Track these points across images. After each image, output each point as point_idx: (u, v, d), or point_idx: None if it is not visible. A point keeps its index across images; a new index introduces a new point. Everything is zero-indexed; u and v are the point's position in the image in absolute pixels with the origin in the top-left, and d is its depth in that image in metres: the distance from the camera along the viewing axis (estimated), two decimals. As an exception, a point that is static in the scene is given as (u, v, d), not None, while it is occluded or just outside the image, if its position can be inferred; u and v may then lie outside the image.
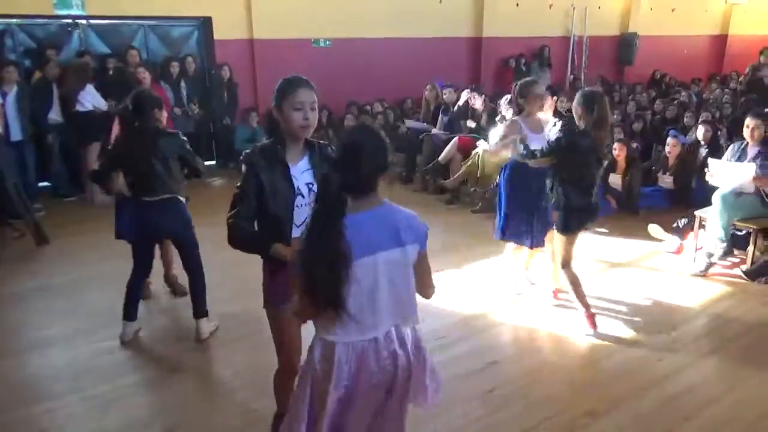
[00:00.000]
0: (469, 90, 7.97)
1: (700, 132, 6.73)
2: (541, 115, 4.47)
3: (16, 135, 6.60)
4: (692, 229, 5.29)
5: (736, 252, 5.21)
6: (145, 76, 7.02)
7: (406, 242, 1.93)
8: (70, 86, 6.91)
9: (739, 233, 5.10)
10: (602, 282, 4.79)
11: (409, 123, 8.53)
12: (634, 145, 7.37)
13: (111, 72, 7.64)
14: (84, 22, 7.97)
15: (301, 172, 2.40)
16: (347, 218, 1.84)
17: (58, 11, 7.61)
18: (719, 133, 7.10)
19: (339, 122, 8.70)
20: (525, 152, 4.07)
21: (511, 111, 4.91)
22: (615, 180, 6.54)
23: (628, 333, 4.01)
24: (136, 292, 3.97)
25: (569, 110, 7.47)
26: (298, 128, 2.34)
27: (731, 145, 5.21)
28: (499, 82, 11.24)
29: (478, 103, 7.63)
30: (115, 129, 4.48)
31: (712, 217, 4.94)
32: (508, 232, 4.44)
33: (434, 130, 7.92)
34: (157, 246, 4.26)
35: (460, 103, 7.85)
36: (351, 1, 9.62)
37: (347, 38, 9.67)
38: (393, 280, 1.95)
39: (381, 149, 1.92)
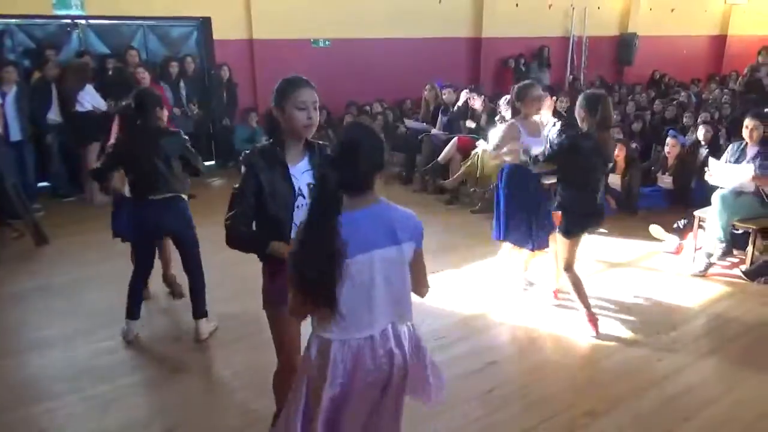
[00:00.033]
0: (467, 90, 7.97)
1: (701, 133, 6.74)
2: (537, 117, 4.48)
3: (15, 135, 6.60)
4: (692, 229, 5.29)
5: (735, 252, 5.21)
6: (145, 76, 7.02)
7: (402, 240, 1.94)
8: (69, 86, 6.90)
9: (736, 231, 5.09)
10: (601, 282, 4.79)
11: (409, 123, 8.53)
12: (634, 145, 7.37)
13: (111, 72, 7.64)
14: (83, 22, 7.96)
15: (302, 173, 2.40)
16: (343, 216, 1.85)
17: (57, 11, 7.60)
18: (719, 133, 7.11)
19: (338, 122, 8.69)
20: (528, 159, 4.06)
21: (510, 112, 4.92)
22: (614, 180, 6.55)
23: (627, 333, 4.01)
24: (138, 290, 3.97)
25: (568, 110, 7.52)
26: (301, 128, 2.34)
27: (730, 145, 5.22)
28: (498, 83, 11.24)
29: (477, 103, 7.64)
30: (115, 129, 4.49)
31: (712, 218, 4.95)
32: (508, 234, 4.44)
33: (433, 131, 7.92)
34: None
35: (460, 103, 7.86)
36: (350, 1, 9.62)
37: (346, 38, 9.67)
38: (389, 278, 1.95)
39: (377, 147, 1.93)
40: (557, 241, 4.06)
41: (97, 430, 3.10)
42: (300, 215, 2.35)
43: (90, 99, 6.93)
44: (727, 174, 4.91)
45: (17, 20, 7.51)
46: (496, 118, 6.04)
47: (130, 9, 7.96)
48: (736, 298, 4.59)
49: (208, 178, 7.86)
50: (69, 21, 7.85)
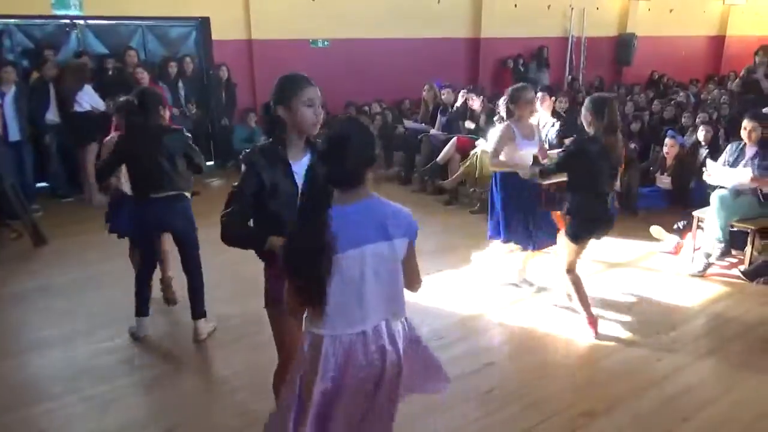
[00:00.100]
0: (465, 90, 7.97)
1: (701, 134, 6.75)
2: (535, 120, 4.48)
3: (14, 135, 6.60)
4: (690, 229, 5.30)
5: (734, 252, 5.22)
6: (143, 76, 7.03)
7: (395, 236, 1.93)
8: (68, 86, 6.90)
9: (732, 229, 5.10)
10: (601, 282, 4.79)
11: (407, 124, 8.54)
12: (632, 145, 7.38)
13: (111, 72, 7.63)
14: (82, 22, 7.95)
15: (304, 170, 2.39)
16: (334, 210, 1.85)
17: (56, 11, 7.60)
18: (718, 133, 7.13)
19: (337, 123, 8.69)
20: (536, 172, 4.03)
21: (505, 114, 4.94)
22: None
23: (626, 333, 4.02)
24: (145, 288, 3.97)
25: (567, 111, 7.52)
26: (310, 125, 2.34)
27: (729, 146, 5.24)
28: (497, 83, 11.25)
29: (476, 103, 7.64)
30: (113, 129, 4.49)
31: (710, 218, 4.96)
32: (509, 235, 4.45)
33: (432, 131, 7.93)
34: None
35: (458, 103, 7.85)
36: (349, 1, 9.62)
37: (345, 39, 9.67)
38: (380, 274, 1.95)
39: (368, 142, 1.93)
40: (562, 243, 4.02)
41: (97, 430, 3.10)
42: None
43: (88, 99, 6.93)
44: (726, 176, 4.93)
45: (16, 20, 7.51)
46: (495, 119, 6.04)
47: (129, 9, 7.95)
48: (734, 298, 4.59)
49: (207, 178, 7.85)
50: (67, 21, 7.85)
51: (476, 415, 3.16)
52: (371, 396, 2.02)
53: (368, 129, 1.97)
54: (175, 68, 8.15)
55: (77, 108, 6.88)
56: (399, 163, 8.35)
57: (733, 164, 5.01)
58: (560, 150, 4.04)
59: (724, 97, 10.02)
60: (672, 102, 9.41)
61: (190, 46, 8.91)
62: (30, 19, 7.59)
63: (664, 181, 6.72)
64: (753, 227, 4.87)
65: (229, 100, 8.77)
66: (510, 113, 4.41)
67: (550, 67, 11.83)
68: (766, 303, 4.49)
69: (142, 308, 3.95)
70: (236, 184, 2.39)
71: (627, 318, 4.23)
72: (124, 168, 3.87)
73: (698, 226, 5.20)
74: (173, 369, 3.67)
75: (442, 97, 8.19)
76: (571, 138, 6.37)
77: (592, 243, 3.95)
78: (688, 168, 6.57)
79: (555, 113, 6.84)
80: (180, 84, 8.19)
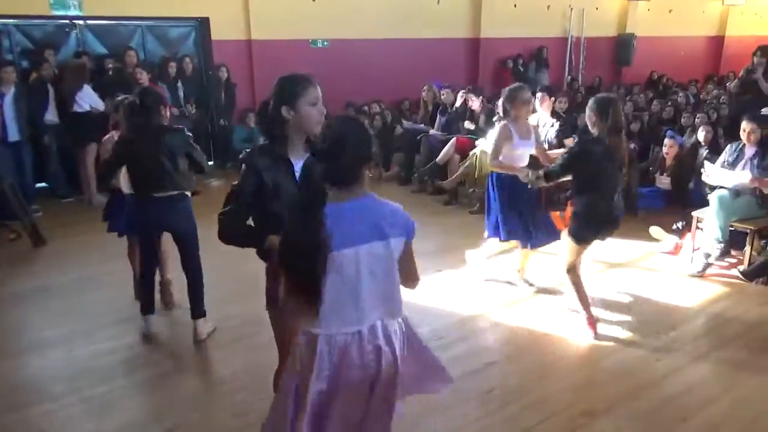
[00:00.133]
0: (464, 91, 7.97)
1: (701, 134, 6.76)
2: (534, 120, 4.50)
3: (13, 136, 6.59)
4: (690, 229, 5.31)
5: (733, 252, 5.22)
6: (143, 76, 7.02)
7: (391, 235, 1.93)
8: (67, 86, 6.90)
9: (731, 230, 5.11)
10: (600, 282, 4.79)
11: (406, 125, 8.55)
12: (632, 145, 7.37)
13: (110, 72, 7.63)
14: (81, 22, 7.96)
15: None
16: (329, 208, 1.85)
17: (55, 11, 7.60)
18: (718, 134, 7.13)
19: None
20: (539, 176, 4.01)
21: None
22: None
23: (626, 333, 4.02)
24: (149, 286, 3.98)
25: (566, 111, 7.53)
26: (315, 124, 2.34)
27: (728, 146, 5.26)
28: (497, 83, 11.24)
29: (476, 104, 7.64)
30: (111, 128, 4.50)
31: (710, 218, 4.97)
32: (507, 234, 4.46)
33: (432, 131, 7.93)
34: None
35: (457, 104, 7.85)
36: (349, 1, 9.63)
37: (345, 39, 9.68)
38: (375, 273, 1.94)
39: (365, 140, 1.93)
40: (564, 241, 3.99)
41: (97, 430, 3.09)
42: None
43: (88, 99, 6.93)
44: (724, 177, 4.95)
45: (15, 20, 7.51)
46: (495, 119, 6.05)
47: (128, 9, 7.95)
48: (734, 298, 4.60)
49: (206, 178, 7.84)
50: (67, 21, 7.85)
51: (476, 415, 3.16)
52: (368, 397, 2.01)
53: (365, 127, 1.98)
54: (175, 68, 8.15)
55: (77, 108, 6.89)
56: (398, 163, 8.35)
57: (733, 164, 5.03)
58: (564, 151, 4.03)
59: (723, 97, 10.03)
60: (669, 103, 9.41)
61: (189, 46, 8.91)
62: (29, 19, 7.59)
63: (663, 181, 6.72)
64: (752, 227, 4.88)
65: (228, 100, 8.77)
66: (507, 113, 4.43)
67: (550, 67, 11.84)
68: (765, 303, 4.50)
69: (147, 307, 3.97)
70: (236, 182, 2.39)
71: (627, 318, 4.23)
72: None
73: (697, 227, 5.21)
74: (173, 369, 3.67)
75: (442, 97, 8.20)
76: (571, 138, 6.41)
77: (595, 243, 3.94)
78: (688, 168, 6.57)
79: (554, 113, 6.85)
80: (179, 84, 8.20)
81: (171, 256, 4.19)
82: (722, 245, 4.99)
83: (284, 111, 2.33)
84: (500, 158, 4.41)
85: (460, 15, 10.97)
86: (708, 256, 5.00)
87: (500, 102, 4.54)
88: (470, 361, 3.66)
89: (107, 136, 4.43)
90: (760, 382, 3.49)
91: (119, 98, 4.37)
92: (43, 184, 7.53)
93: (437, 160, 7.33)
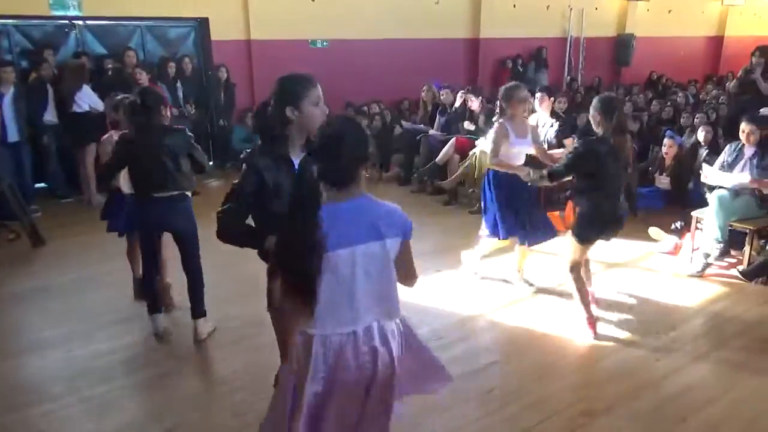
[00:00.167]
0: (463, 91, 7.97)
1: (701, 134, 6.76)
2: (534, 119, 4.50)
3: (12, 136, 6.59)
4: (689, 229, 5.31)
5: (732, 252, 5.23)
6: (142, 76, 7.01)
7: (387, 236, 1.93)
8: (66, 87, 6.90)
9: (731, 230, 5.11)
10: (599, 282, 4.79)
11: (405, 125, 8.55)
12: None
13: (109, 73, 7.63)
14: (80, 22, 7.95)
15: None
16: (325, 208, 1.85)
17: (55, 12, 7.60)
18: (718, 134, 7.14)
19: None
20: (543, 175, 4.02)
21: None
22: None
23: (625, 333, 4.02)
24: (153, 285, 3.99)
25: (566, 111, 7.53)
26: (318, 124, 2.34)
27: (728, 146, 5.27)
28: (496, 83, 11.20)
29: (475, 104, 7.64)
30: (110, 127, 4.49)
31: (709, 218, 4.97)
32: (505, 231, 4.46)
33: (431, 131, 7.93)
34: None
35: (457, 104, 7.85)
36: (348, 1, 9.63)
37: (344, 39, 9.68)
38: (371, 274, 1.94)
39: (362, 140, 1.93)
40: (568, 241, 3.97)
41: (96, 431, 3.09)
42: None
43: (87, 99, 6.92)
44: (723, 180, 4.97)
45: (14, 20, 7.51)
46: (494, 119, 6.05)
47: (128, 9, 7.96)
48: (733, 298, 4.60)
49: (205, 179, 7.85)
50: (66, 21, 7.84)
51: (476, 415, 3.16)
52: (364, 398, 2.00)
53: (362, 127, 1.98)
54: (174, 68, 8.14)
55: (76, 108, 6.88)
56: (398, 163, 8.35)
57: (732, 164, 5.04)
58: (568, 151, 4.02)
59: (722, 97, 10.03)
60: (669, 103, 9.41)
61: (189, 46, 8.91)
62: (28, 19, 7.59)
63: (662, 181, 6.71)
64: (752, 227, 4.88)
65: (227, 100, 8.77)
66: (503, 111, 4.43)
67: (549, 67, 11.85)
68: (764, 303, 4.50)
69: (154, 306, 3.98)
70: (236, 182, 2.39)
71: (626, 318, 4.23)
72: None
73: (697, 227, 5.21)
74: (173, 369, 3.66)
75: (441, 97, 8.20)
76: (571, 138, 6.42)
77: (598, 243, 3.94)
78: (687, 168, 6.57)
79: (554, 114, 6.85)
80: (178, 84, 8.19)
81: (170, 257, 4.19)
82: (722, 245, 5.00)
83: (288, 111, 2.33)
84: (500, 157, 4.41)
85: (460, 15, 10.97)
86: (707, 256, 5.00)
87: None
88: (470, 361, 3.66)
89: (106, 136, 4.42)
90: (760, 382, 3.49)
91: (118, 97, 4.37)
92: (43, 185, 7.52)
93: (437, 160, 7.33)
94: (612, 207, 3.78)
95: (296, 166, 2.36)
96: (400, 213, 1.99)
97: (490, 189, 4.52)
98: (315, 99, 2.34)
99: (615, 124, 3.63)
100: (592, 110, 3.75)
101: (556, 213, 5.93)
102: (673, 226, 5.65)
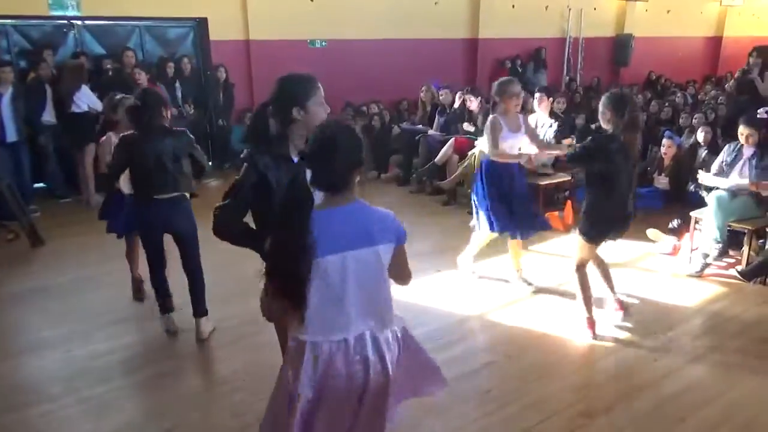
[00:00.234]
0: (462, 92, 7.97)
1: (700, 135, 6.77)
2: (530, 119, 4.52)
3: (11, 136, 6.59)
4: (687, 229, 5.32)
5: (731, 253, 5.23)
6: (141, 76, 7.01)
7: (380, 241, 1.91)
8: (65, 87, 6.89)
9: (729, 230, 5.12)
10: (599, 283, 4.79)
11: (404, 126, 8.56)
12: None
13: (108, 73, 7.63)
14: (79, 22, 7.95)
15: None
16: (317, 213, 1.84)
17: (53, 12, 7.59)
18: (717, 134, 7.15)
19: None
20: (546, 164, 4.02)
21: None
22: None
23: (624, 334, 4.02)
24: (162, 285, 3.99)
25: (565, 111, 7.54)
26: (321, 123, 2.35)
27: (726, 146, 5.28)
28: (495, 84, 11.26)
29: (474, 104, 7.64)
30: (108, 127, 4.48)
31: (708, 218, 4.98)
32: (498, 226, 4.48)
33: (430, 132, 7.93)
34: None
35: (456, 104, 7.85)
36: (347, 2, 9.63)
37: (343, 39, 9.68)
38: (362, 280, 1.91)
39: (355, 145, 1.92)
40: (575, 240, 3.92)
41: (95, 431, 3.09)
42: None
43: (86, 99, 6.92)
44: (720, 183, 5.01)
45: (13, 20, 7.50)
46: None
47: (127, 9, 7.95)
48: (732, 298, 4.60)
49: (204, 179, 7.84)
50: (65, 21, 7.84)
51: (475, 415, 3.16)
52: (356, 408, 1.98)
53: (356, 133, 1.95)
54: (173, 69, 8.14)
55: (75, 109, 6.87)
56: (397, 163, 8.35)
57: (731, 164, 5.06)
58: (579, 144, 4.00)
59: (721, 98, 10.05)
60: (668, 103, 9.42)
61: (187, 46, 8.91)
62: (27, 19, 7.58)
63: (661, 181, 6.72)
64: (750, 228, 4.89)
65: (226, 100, 8.77)
66: (496, 106, 4.46)
67: (548, 67, 11.86)
68: (763, 303, 4.51)
69: (165, 306, 3.99)
70: (237, 179, 2.39)
71: (625, 318, 4.23)
72: None
73: (695, 227, 5.22)
74: (172, 369, 3.67)
75: (440, 97, 8.20)
76: (570, 138, 6.43)
77: (603, 244, 3.92)
78: (686, 168, 6.58)
79: (552, 114, 6.86)
80: (177, 84, 8.19)
81: (171, 260, 4.17)
82: (720, 245, 5.00)
83: (295, 112, 2.33)
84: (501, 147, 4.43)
85: (459, 15, 10.98)
86: (706, 256, 5.01)
87: None
88: (469, 362, 3.66)
89: (104, 137, 4.42)
90: (758, 381, 3.49)
91: (117, 97, 4.37)
92: (41, 185, 7.51)
93: (436, 160, 7.33)
94: (620, 205, 3.73)
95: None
96: (393, 218, 1.97)
97: (482, 184, 4.53)
98: (320, 98, 2.36)
99: (627, 121, 3.55)
100: (601, 107, 3.67)
101: (555, 213, 5.94)
102: (670, 225, 5.66)
